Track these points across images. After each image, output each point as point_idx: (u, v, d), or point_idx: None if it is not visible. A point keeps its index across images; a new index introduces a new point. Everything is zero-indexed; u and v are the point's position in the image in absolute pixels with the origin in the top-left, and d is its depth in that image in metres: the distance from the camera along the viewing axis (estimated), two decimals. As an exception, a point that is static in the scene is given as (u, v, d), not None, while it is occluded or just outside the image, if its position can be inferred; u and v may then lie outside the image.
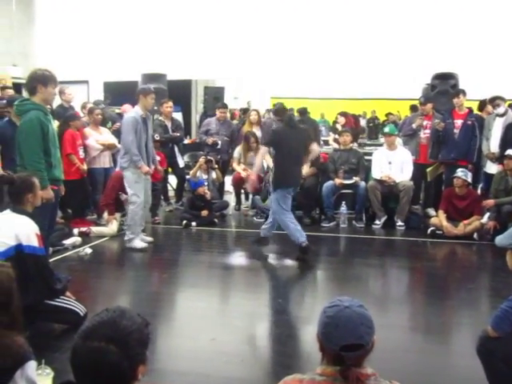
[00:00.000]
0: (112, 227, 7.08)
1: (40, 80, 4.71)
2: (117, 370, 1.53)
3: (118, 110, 9.34)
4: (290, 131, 6.10)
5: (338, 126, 10.65)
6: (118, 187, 7.08)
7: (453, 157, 7.54)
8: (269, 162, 8.26)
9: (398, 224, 7.60)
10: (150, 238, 6.77)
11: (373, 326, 1.81)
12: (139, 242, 6.43)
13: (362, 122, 16.58)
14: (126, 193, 7.18)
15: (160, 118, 8.77)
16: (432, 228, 7.12)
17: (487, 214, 6.96)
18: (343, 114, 10.50)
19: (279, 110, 6.82)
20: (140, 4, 12.18)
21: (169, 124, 8.48)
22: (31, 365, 2.15)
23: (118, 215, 7.22)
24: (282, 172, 6.07)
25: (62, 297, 4.02)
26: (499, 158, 7.11)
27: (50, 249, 5.59)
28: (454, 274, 5.81)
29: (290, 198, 6.13)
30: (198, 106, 14.94)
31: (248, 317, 4.58)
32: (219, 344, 3.95)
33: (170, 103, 8.53)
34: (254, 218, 8.22)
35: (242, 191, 8.85)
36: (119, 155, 6.64)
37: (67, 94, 8.24)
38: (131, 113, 6.41)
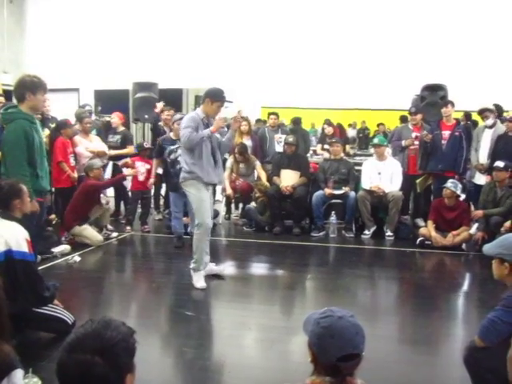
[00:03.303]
0: (97, 237, 7.06)
1: (29, 87, 4.56)
2: (104, 382, 1.52)
3: (108, 118, 9.32)
4: None
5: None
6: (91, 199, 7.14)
7: (440, 168, 7.60)
8: (260, 172, 8.32)
9: (387, 234, 7.64)
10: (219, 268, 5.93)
11: (365, 335, 1.83)
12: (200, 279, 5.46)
13: (352, 133, 16.61)
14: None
15: (160, 123, 8.80)
16: (421, 238, 7.15)
17: (476, 225, 7.01)
18: (329, 124, 10.51)
19: None
20: (131, 13, 12.19)
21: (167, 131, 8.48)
22: (18, 373, 2.13)
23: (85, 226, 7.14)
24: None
25: (50, 305, 4.00)
26: (488, 170, 7.18)
27: (39, 257, 5.56)
28: (443, 285, 5.83)
29: None
30: (188, 115, 14.92)
31: (236, 326, 4.57)
32: (206, 353, 3.94)
33: (172, 112, 8.54)
34: (244, 228, 8.23)
35: (233, 200, 8.87)
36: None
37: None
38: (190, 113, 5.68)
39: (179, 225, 7.17)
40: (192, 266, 5.47)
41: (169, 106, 8.93)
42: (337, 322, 1.80)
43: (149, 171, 7.85)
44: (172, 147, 7.14)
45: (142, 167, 7.84)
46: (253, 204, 8.25)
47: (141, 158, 7.94)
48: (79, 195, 7.05)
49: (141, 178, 7.82)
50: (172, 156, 7.13)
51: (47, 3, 12.95)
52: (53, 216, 7.22)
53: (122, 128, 8.55)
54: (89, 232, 7.04)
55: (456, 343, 4.10)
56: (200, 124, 5.33)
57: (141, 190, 7.93)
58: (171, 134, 7.35)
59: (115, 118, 8.53)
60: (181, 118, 7.15)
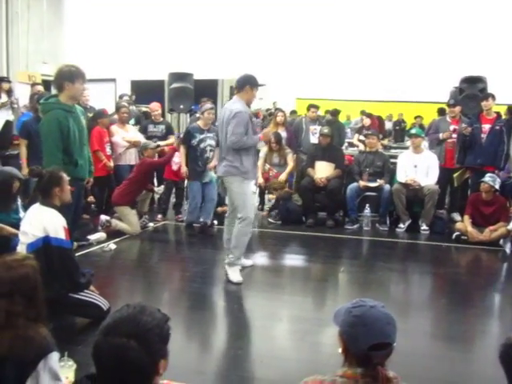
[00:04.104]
0: (137, 227, 7.13)
1: (67, 77, 4.67)
2: (138, 365, 1.55)
3: (144, 109, 9.41)
4: None
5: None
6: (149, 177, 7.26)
7: (479, 162, 7.42)
8: (289, 162, 8.29)
9: (422, 228, 7.54)
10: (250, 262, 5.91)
11: (396, 326, 1.82)
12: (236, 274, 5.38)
13: (388, 125, 16.44)
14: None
15: (197, 114, 8.85)
16: (457, 233, 7.03)
17: (514, 221, 6.85)
18: (368, 115, 10.39)
19: None
20: (167, 4, 12.27)
21: None
22: (54, 356, 2.18)
23: (134, 211, 7.25)
24: None
25: (85, 291, 4.08)
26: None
27: (75, 244, 5.66)
28: (478, 281, 5.73)
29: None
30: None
31: (267, 317, 4.58)
32: (238, 343, 3.96)
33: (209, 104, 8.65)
34: (269, 219, 8.19)
35: (266, 191, 8.85)
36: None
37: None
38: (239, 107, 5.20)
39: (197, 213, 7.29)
40: (229, 260, 5.36)
41: (205, 97, 8.95)
42: (369, 311, 1.81)
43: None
44: (202, 136, 7.16)
45: (176, 157, 7.87)
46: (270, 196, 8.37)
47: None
48: (140, 174, 7.15)
49: (174, 167, 7.84)
50: (202, 145, 7.15)
51: (85, -5, 13.15)
52: (91, 198, 7.34)
53: (161, 118, 8.61)
54: (134, 219, 7.13)
55: (491, 340, 4.04)
56: (249, 122, 5.21)
57: (174, 180, 7.97)
58: (199, 123, 7.34)
59: (159, 110, 8.55)
60: (212, 108, 7.22)
